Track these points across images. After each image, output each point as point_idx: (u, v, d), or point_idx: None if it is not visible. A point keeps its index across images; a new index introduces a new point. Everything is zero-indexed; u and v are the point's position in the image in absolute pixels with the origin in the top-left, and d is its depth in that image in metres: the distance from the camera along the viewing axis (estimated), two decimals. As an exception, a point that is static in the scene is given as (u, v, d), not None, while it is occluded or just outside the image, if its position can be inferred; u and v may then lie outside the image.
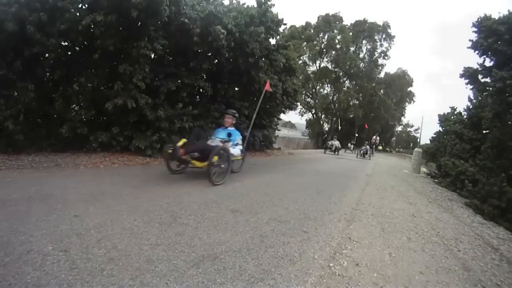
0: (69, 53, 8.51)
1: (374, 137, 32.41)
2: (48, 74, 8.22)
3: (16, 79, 7.24)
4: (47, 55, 7.86)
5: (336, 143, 25.92)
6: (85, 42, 8.46)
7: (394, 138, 79.84)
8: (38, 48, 7.34)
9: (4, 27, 6.85)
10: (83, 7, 8.23)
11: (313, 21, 51.30)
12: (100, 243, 3.00)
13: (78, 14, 7.93)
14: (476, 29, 10.46)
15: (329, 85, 52.46)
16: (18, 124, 7.18)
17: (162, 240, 3.24)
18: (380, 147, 31.02)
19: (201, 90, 11.61)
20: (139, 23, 8.63)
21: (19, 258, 2.53)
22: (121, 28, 8.54)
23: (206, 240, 3.37)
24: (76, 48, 8.63)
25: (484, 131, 11.55)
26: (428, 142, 18.13)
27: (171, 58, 10.57)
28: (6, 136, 7.10)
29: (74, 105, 8.60)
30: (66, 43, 8.27)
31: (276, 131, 18.38)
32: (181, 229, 3.60)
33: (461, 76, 11.31)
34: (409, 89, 60.13)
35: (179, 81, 10.14)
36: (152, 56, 9.27)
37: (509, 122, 8.75)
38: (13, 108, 7.13)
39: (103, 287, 2.28)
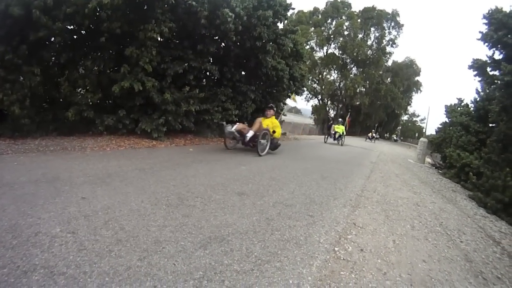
0: (75, 36, 8.49)
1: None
2: (54, 58, 8.22)
3: (22, 64, 7.21)
4: (53, 39, 7.81)
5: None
6: (91, 26, 8.40)
7: (400, 127, 79.82)
8: (44, 32, 7.30)
9: (10, 12, 6.80)
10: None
11: (321, 6, 51.18)
12: (107, 225, 3.02)
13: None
14: (486, 21, 10.35)
15: (336, 72, 52.26)
16: (24, 108, 7.19)
17: (170, 221, 3.26)
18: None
19: (208, 73, 11.62)
20: (146, 6, 8.62)
21: (27, 240, 2.55)
22: (128, 11, 8.52)
23: (213, 222, 3.40)
24: (82, 31, 8.61)
25: (490, 124, 11.47)
26: (434, 132, 18.08)
27: (178, 41, 10.57)
28: (13, 121, 7.15)
29: (80, 89, 8.64)
30: (72, 27, 8.23)
31: (282, 116, 18.39)
32: (188, 211, 3.62)
33: (470, 67, 11.22)
34: (416, 78, 60.09)
35: (186, 64, 10.14)
36: (159, 39, 9.27)
37: (516, 116, 8.68)
38: (19, 92, 7.13)
39: (112, 268, 2.30)
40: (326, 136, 22.22)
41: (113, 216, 3.22)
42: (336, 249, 3.22)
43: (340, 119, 24.84)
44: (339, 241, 3.45)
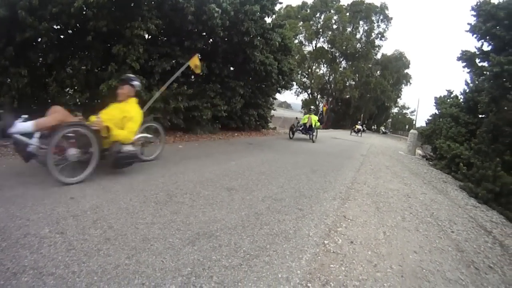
0: (62, 36, 8.40)
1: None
2: (41, 58, 8.15)
3: (8, 65, 7.16)
4: (39, 39, 7.71)
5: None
6: (77, 25, 8.36)
7: (390, 120, 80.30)
8: (30, 32, 7.22)
9: (-5, 13, 6.74)
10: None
11: (310, 0, 51.08)
12: (96, 224, 3.01)
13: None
14: (474, 13, 10.46)
15: (325, 65, 52.39)
16: (13, 110, 7.14)
17: (158, 219, 3.26)
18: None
19: (196, 69, 11.50)
20: (132, 3, 8.53)
21: (16, 242, 2.54)
22: (114, 9, 8.43)
23: (201, 218, 3.40)
24: (68, 31, 8.53)
25: (480, 115, 11.62)
26: (424, 124, 18.21)
27: (165, 38, 10.51)
28: (1, 123, 7.06)
29: (68, 89, 8.54)
30: (58, 27, 8.15)
31: (272, 111, 18.39)
32: (177, 208, 3.62)
33: (459, 59, 11.33)
34: (406, 71, 60.49)
35: (173, 61, 10.07)
36: (146, 36, 9.19)
37: (505, 107, 8.79)
38: (7, 94, 7.09)
39: (100, 267, 2.30)
40: (293, 130, 15.69)
41: (102, 215, 3.22)
42: (325, 242, 3.23)
43: (311, 107, 16.02)
44: (328, 234, 3.46)
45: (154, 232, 2.95)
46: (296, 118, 16.90)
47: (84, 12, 7.93)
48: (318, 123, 15.99)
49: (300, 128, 15.56)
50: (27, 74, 7.34)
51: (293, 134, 15.67)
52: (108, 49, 8.72)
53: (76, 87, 8.48)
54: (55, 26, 7.92)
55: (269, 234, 3.19)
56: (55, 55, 7.92)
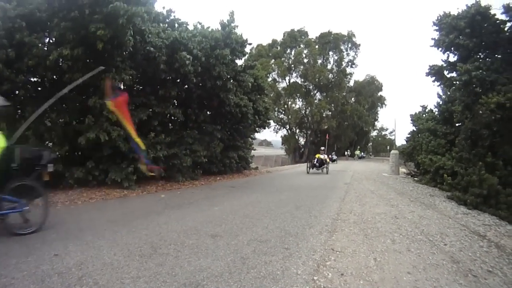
0: (39, 88, 8.49)
1: None
2: (19, 111, 8.15)
3: (-14, 118, 7.12)
4: (17, 91, 7.80)
5: None
6: (54, 77, 8.45)
7: (370, 143, 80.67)
8: (8, 85, 7.32)
9: (-27, 66, 6.77)
10: (51, 41, 8.25)
11: (279, 38, 51.95)
12: (81, 281, 2.96)
13: (45, 49, 7.91)
14: (437, 28, 10.88)
15: (300, 100, 52.84)
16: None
17: (143, 272, 3.20)
18: None
19: (172, 117, 11.54)
20: (106, 54, 8.62)
21: (2, 302, 2.46)
22: (88, 61, 8.53)
23: (187, 268, 3.34)
24: (45, 83, 8.59)
25: (456, 124, 11.96)
26: (404, 142, 18.49)
27: (140, 88, 10.61)
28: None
29: (47, 142, 8.48)
30: (35, 79, 8.26)
31: (252, 151, 18.38)
32: (162, 260, 3.56)
33: (427, 74, 11.73)
34: (379, 93, 61.66)
35: (149, 110, 10.12)
36: (121, 87, 9.24)
37: (480, 111, 9.05)
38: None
39: (86, 325, 2.24)
40: None
41: (87, 272, 3.17)
42: (315, 278, 3.20)
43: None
44: (317, 269, 3.43)
45: (140, 286, 2.89)
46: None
47: (60, 64, 8.02)
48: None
49: None
50: (5, 128, 7.28)
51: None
52: (84, 101, 8.71)
53: (55, 140, 8.42)
54: (32, 79, 8.06)
55: (257, 278, 3.14)
56: (33, 108, 7.87)
